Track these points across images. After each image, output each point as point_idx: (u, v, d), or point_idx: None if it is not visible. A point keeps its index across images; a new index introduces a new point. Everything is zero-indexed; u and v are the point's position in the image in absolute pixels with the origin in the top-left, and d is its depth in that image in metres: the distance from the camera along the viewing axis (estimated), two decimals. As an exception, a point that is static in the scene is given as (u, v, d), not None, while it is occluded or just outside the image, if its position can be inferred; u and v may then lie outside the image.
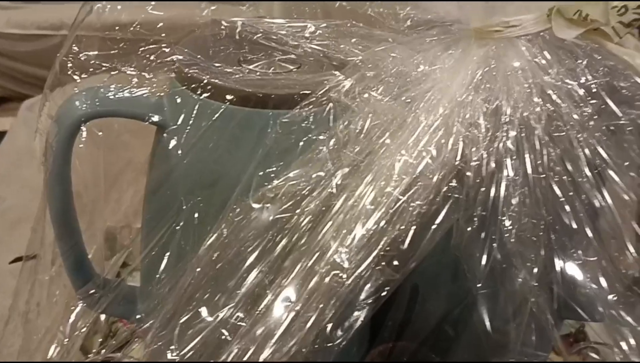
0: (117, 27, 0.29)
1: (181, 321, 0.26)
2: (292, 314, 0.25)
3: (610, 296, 0.27)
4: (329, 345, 0.25)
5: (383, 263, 0.26)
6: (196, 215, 0.28)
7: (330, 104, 0.27)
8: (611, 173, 0.28)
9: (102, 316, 0.38)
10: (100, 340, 0.37)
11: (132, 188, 0.37)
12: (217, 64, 0.28)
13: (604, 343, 0.38)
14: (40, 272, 0.35)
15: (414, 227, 0.26)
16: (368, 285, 0.25)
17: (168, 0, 0.32)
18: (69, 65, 0.29)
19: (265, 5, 0.42)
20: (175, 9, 0.32)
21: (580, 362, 0.38)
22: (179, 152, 0.27)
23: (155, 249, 0.28)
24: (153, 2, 0.31)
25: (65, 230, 0.29)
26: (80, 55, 0.29)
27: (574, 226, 0.27)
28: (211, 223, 0.26)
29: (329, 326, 0.25)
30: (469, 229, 0.27)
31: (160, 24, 0.30)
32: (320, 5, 0.35)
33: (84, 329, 0.30)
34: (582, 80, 0.28)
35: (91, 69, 0.29)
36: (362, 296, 0.25)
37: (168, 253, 0.28)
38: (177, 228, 0.27)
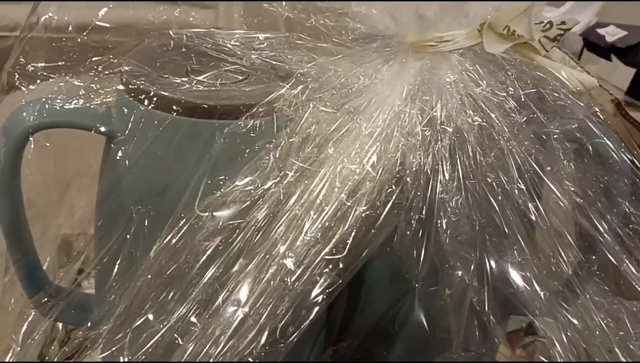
0: (64, 39, 0.29)
1: (133, 326, 0.26)
2: (242, 316, 0.26)
3: (543, 293, 0.29)
4: (280, 345, 0.26)
5: (330, 266, 0.27)
6: (146, 223, 0.28)
7: (275, 114, 0.28)
8: (543, 178, 0.30)
9: (60, 325, 0.38)
10: (57, 347, 0.37)
11: (85, 194, 0.37)
12: (164, 75, 0.28)
13: (545, 338, 0.40)
14: None
15: (358, 231, 0.27)
16: (315, 287, 0.27)
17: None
18: (16, 77, 0.29)
19: (226, 14, 0.43)
20: (123, 19, 0.32)
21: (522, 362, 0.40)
22: (127, 162, 0.27)
23: (106, 256, 0.29)
24: (102, 12, 0.32)
25: (16, 240, 0.29)
26: (28, 66, 0.29)
27: (506, 229, 0.29)
28: (161, 230, 0.27)
29: (279, 327, 0.26)
30: (408, 232, 0.29)
31: (108, 35, 0.30)
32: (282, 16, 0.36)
33: (37, 337, 0.31)
34: (512, 91, 0.30)
35: (39, 81, 0.29)
36: (310, 297, 0.27)
37: (119, 261, 0.28)
38: (128, 236, 0.28)
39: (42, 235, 0.36)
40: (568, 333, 0.29)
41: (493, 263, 0.30)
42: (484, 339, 0.33)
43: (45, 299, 0.30)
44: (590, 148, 0.31)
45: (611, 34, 0.64)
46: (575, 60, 0.31)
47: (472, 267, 0.29)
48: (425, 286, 0.29)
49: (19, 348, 0.30)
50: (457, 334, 0.29)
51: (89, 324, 0.29)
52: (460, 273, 0.29)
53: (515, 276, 0.30)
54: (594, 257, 0.31)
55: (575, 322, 0.30)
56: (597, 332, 0.30)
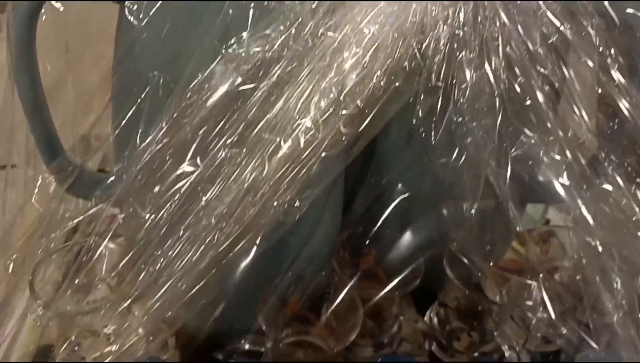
0: None
1: (156, 187, 0.27)
2: (260, 175, 0.26)
3: (565, 174, 0.29)
4: (295, 202, 0.26)
5: (347, 129, 0.27)
6: (160, 92, 0.28)
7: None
8: (568, 50, 0.29)
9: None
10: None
11: (102, 93, 0.37)
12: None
13: (562, 226, 0.39)
14: (13, 180, 0.35)
15: (375, 96, 0.27)
16: (332, 149, 0.26)
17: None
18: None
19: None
20: None
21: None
22: (140, 27, 0.27)
23: (123, 125, 0.29)
24: None
25: (34, 106, 0.29)
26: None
27: (528, 100, 0.28)
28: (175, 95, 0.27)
29: (296, 187, 0.26)
30: (426, 100, 0.28)
31: None
32: None
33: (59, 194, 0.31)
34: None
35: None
36: (327, 159, 0.26)
37: (135, 128, 0.28)
38: (144, 103, 0.28)
39: (59, 132, 0.36)
40: (588, 218, 0.29)
41: (516, 143, 0.29)
42: (505, 230, 0.33)
43: (63, 166, 0.30)
44: (619, 21, 0.30)
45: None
46: None
47: (493, 141, 0.29)
48: (441, 156, 0.29)
49: (42, 209, 0.30)
50: (472, 199, 0.29)
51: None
52: (477, 145, 0.29)
53: (538, 155, 0.29)
54: (617, 134, 0.31)
55: (596, 205, 0.29)
56: (618, 216, 0.30)
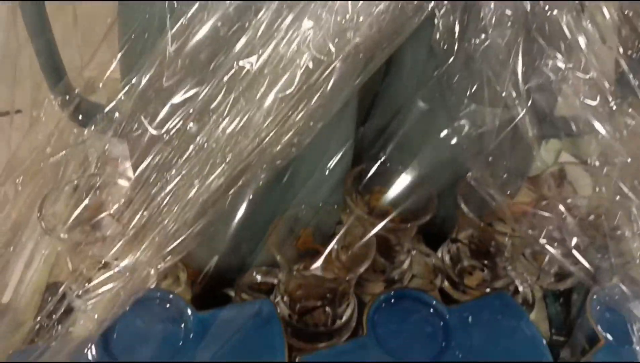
0: None
1: (163, 108, 0.26)
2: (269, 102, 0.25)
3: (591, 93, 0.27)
4: (308, 127, 0.25)
5: (361, 41, 0.25)
6: (167, 12, 0.27)
7: None
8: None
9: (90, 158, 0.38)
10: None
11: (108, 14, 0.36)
12: None
13: (576, 163, 0.39)
14: (18, 125, 0.35)
15: (393, 12, 0.26)
16: (346, 71, 0.25)
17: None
18: None
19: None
20: None
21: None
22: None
23: (128, 47, 0.28)
24: None
25: (39, 27, 0.28)
26: None
27: (555, 12, 0.27)
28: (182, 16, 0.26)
29: (307, 112, 0.25)
30: (447, 16, 0.27)
31: None
32: None
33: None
34: None
35: None
36: (338, 84, 0.25)
37: (143, 53, 0.27)
38: (150, 29, 0.27)
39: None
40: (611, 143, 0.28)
41: (538, 72, 0.28)
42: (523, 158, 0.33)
43: (67, 90, 0.29)
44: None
45: None
46: None
47: (512, 64, 0.28)
48: (460, 79, 0.28)
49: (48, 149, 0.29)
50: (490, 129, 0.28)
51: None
52: (498, 62, 0.27)
53: (557, 80, 0.28)
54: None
55: (619, 130, 0.28)
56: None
